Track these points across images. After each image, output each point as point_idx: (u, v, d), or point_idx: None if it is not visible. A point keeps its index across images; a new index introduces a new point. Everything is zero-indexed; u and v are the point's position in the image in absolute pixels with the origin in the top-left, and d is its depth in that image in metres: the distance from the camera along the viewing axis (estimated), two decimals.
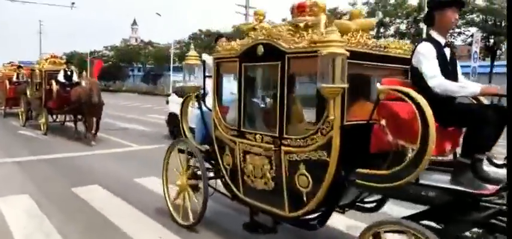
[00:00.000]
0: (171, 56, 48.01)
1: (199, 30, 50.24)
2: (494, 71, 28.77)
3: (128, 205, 5.54)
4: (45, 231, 4.58)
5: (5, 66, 19.65)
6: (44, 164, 8.23)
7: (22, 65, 18.40)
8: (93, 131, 10.48)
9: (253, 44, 3.73)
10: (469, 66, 25.06)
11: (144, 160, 8.59)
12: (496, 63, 29.18)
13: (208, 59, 5.09)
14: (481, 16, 28.13)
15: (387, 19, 32.44)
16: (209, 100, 4.60)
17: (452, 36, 30.39)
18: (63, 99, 11.64)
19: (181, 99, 11.20)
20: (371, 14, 32.59)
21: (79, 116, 11.38)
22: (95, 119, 10.44)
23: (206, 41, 47.48)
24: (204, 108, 4.70)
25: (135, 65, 65.35)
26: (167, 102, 12.26)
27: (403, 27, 32.52)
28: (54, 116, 13.06)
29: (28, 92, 13.62)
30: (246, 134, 3.84)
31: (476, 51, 24.57)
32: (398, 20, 32.29)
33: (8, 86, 16.39)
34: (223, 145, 4.14)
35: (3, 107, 17.06)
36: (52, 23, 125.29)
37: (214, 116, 4.24)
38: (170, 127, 11.68)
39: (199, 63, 4.74)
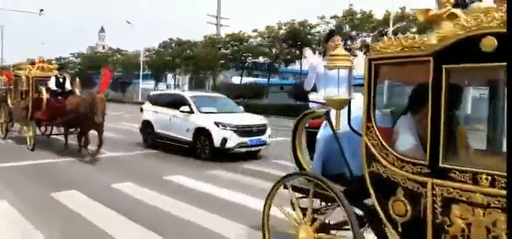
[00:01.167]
0: (141, 63, 47.58)
1: (170, 39, 50.04)
2: None
3: (108, 209, 5.68)
4: (31, 234, 4.69)
5: None
6: (19, 171, 8.19)
7: None
8: (96, 147, 9.35)
9: (472, 35, 2.44)
10: None
11: (120, 167, 8.72)
12: None
13: (316, 60, 4.37)
14: None
15: (354, 32, 33.54)
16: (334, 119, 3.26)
17: None
18: (55, 110, 10.43)
19: (155, 107, 11.58)
20: (338, 27, 33.73)
21: (71, 129, 10.47)
22: (97, 133, 9.27)
23: (177, 49, 47.40)
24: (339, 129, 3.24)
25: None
26: (142, 110, 12.35)
27: (369, 40, 33.70)
28: (43, 129, 11.50)
29: (9, 101, 12.20)
30: (450, 172, 2.53)
31: None
32: (364, 34, 33.41)
33: None
34: (389, 186, 2.84)
35: None
36: (16, 28, 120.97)
37: (370, 142, 2.95)
38: (144, 135, 11.82)
39: (351, 65, 3.33)
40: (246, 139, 9.94)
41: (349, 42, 34.34)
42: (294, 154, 3.90)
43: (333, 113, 3.28)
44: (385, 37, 3.13)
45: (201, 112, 10.44)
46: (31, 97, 10.72)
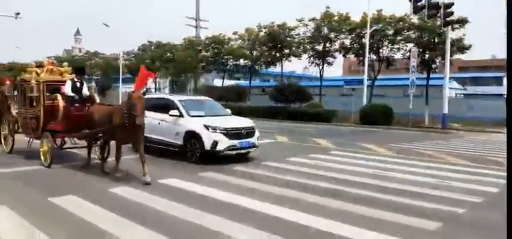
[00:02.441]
0: (121, 67, 47.11)
1: (149, 41, 49.73)
2: (430, 84, 31.29)
3: (109, 212, 5.83)
4: (36, 237, 4.82)
5: None
6: (14, 177, 8.23)
7: None
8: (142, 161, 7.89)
9: None
10: (408, 78, 27.22)
11: (112, 172, 8.81)
12: (431, 76, 31.71)
13: None
14: (416, 33, 30.53)
15: (332, 35, 34.17)
16: None
17: (392, 51, 32.80)
18: (75, 119, 9.23)
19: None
20: (317, 29, 34.31)
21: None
22: (134, 144, 8.32)
23: (156, 52, 47.13)
24: None
25: None
26: None
27: (347, 42, 34.41)
28: (58, 141, 10.08)
29: (12, 110, 10.91)
30: None
31: (413, 66, 26.74)
32: (342, 36, 34.07)
33: None
34: None
35: None
36: None
37: None
38: None
39: None
40: (235, 142, 10.19)
41: (328, 44, 35.00)
42: None
43: None
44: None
45: (190, 116, 10.63)
46: (42, 105, 9.54)
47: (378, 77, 34.42)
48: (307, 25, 35.21)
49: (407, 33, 31.18)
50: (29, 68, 10.61)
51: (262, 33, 38.23)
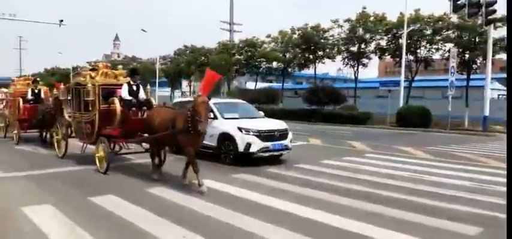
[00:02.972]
0: (157, 71, 48.34)
1: (184, 46, 50.74)
2: (470, 85, 30.16)
3: (146, 211, 6.03)
4: (78, 234, 5.09)
5: (16, 81, 16.82)
6: (57, 177, 8.67)
7: (38, 79, 16.37)
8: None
9: None
10: (446, 79, 26.37)
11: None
12: (471, 76, 30.58)
13: None
14: (456, 32, 29.55)
15: (367, 36, 33.63)
16: None
17: (430, 52, 31.89)
18: (132, 124, 9.07)
19: None
20: (352, 30, 33.88)
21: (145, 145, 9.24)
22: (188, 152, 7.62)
23: (191, 56, 48.05)
24: None
25: None
26: None
27: (383, 43, 33.77)
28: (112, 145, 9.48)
29: (65, 113, 10.85)
30: None
31: (453, 66, 25.87)
32: (378, 36, 33.47)
33: (21, 104, 14.12)
34: None
35: (15, 131, 14.30)
36: (34, 39, 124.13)
37: None
38: None
39: None
40: (268, 144, 10.26)
41: (363, 45, 34.48)
42: None
43: None
44: None
45: (224, 118, 10.81)
46: (98, 109, 9.23)
47: (416, 78, 33.56)
48: (341, 26, 34.88)
49: (446, 32, 30.24)
50: (84, 71, 10.27)
51: (295, 36, 38.17)
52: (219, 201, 6.62)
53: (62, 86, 11.95)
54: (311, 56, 37.90)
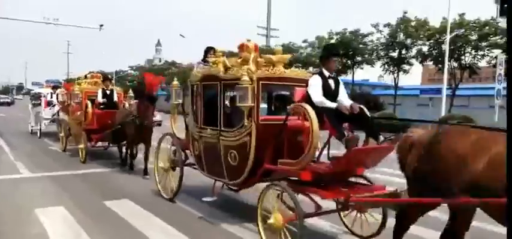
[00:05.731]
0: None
1: (222, 52, 51.08)
2: None
3: (159, 220, 5.82)
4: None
5: (85, 80, 12.06)
6: (72, 179, 8.71)
7: (110, 76, 13.59)
8: None
9: None
10: (493, 88, 24.85)
11: None
12: None
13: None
14: (504, 38, 27.80)
15: (408, 41, 32.40)
16: None
17: (476, 59, 30.22)
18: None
19: None
20: (391, 35, 32.74)
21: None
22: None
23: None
24: None
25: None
26: None
27: (425, 48, 32.42)
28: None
29: (190, 127, 6.85)
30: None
31: (500, 74, 24.35)
32: (420, 42, 32.16)
33: (90, 109, 10.52)
34: None
35: (81, 145, 10.47)
36: (79, 43, 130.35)
37: None
38: None
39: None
40: None
41: (404, 51, 33.25)
42: None
43: None
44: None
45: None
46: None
47: (460, 86, 31.89)
48: (381, 31, 33.83)
49: (493, 38, 28.55)
50: (211, 57, 7.25)
51: (333, 41, 37.41)
52: (226, 209, 6.32)
53: (175, 82, 7.80)
54: (349, 62, 37.01)
